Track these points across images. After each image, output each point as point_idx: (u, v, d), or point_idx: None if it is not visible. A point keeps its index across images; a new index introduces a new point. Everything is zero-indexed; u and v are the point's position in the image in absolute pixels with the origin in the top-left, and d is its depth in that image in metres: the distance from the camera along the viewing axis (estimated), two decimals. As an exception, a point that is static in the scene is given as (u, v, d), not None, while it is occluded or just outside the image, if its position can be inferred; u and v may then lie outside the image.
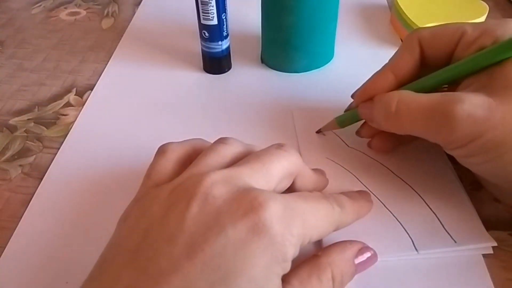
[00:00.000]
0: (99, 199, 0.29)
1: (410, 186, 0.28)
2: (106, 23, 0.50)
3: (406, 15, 0.42)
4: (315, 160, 0.30)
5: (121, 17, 0.50)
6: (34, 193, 0.29)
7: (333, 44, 0.40)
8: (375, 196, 0.27)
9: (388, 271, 0.24)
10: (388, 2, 0.51)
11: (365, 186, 0.28)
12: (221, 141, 0.23)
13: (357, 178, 0.29)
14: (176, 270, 0.17)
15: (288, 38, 0.37)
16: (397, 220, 0.26)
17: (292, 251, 0.19)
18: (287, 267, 0.19)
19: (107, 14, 0.51)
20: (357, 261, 0.22)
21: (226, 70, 0.40)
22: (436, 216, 0.26)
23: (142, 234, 0.19)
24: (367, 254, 0.22)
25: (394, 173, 0.29)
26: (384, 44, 0.43)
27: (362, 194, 0.26)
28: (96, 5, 0.53)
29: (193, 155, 0.23)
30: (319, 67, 0.40)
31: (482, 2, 0.44)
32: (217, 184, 0.19)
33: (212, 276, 0.17)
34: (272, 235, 0.18)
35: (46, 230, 0.27)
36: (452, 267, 0.24)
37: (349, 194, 0.24)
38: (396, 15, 0.45)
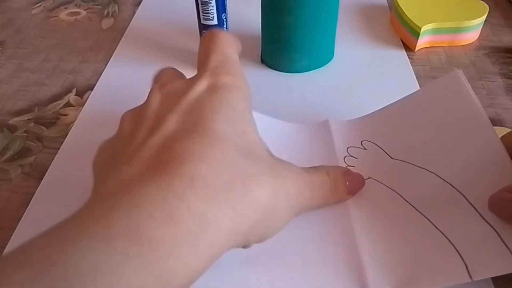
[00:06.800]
0: (99, 199, 0.29)
1: (466, 199, 0.23)
2: (106, 23, 0.50)
3: (406, 15, 0.42)
4: None
5: (121, 17, 0.50)
6: (34, 193, 0.29)
7: (333, 44, 0.40)
8: (424, 216, 0.24)
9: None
10: (388, 2, 0.51)
11: (412, 205, 0.25)
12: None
13: (403, 198, 0.26)
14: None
15: (288, 38, 0.37)
16: (450, 242, 0.23)
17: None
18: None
19: (107, 14, 0.51)
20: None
21: (226, 70, 0.40)
22: (497, 233, 0.21)
23: None
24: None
25: (448, 182, 0.24)
26: (384, 44, 0.43)
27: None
28: (96, 5, 0.53)
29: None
30: (319, 67, 0.40)
31: (482, 2, 0.44)
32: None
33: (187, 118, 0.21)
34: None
35: (46, 230, 0.27)
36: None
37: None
38: (396, 15, 0.45)
